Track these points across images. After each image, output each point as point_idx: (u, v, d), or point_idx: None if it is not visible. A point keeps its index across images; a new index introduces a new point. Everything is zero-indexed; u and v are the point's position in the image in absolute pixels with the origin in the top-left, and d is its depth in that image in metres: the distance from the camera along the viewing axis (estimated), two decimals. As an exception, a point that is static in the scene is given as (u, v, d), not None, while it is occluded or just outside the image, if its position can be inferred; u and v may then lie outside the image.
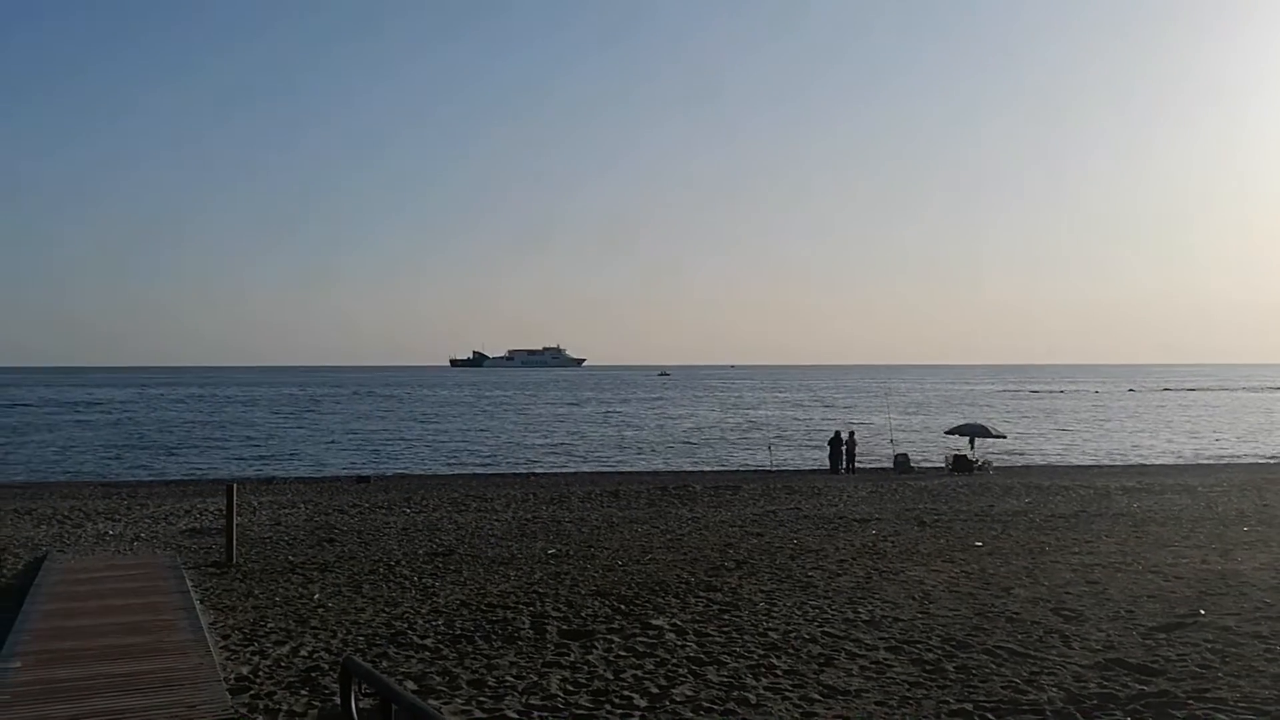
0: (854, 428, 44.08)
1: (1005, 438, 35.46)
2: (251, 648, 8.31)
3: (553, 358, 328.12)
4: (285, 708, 6.53)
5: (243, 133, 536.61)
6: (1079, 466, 35.00)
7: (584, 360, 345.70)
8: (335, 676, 7.26)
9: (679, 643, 8.38)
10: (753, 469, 35.23)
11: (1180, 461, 37.16)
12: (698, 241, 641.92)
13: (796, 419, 67.97)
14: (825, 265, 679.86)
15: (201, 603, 10.06)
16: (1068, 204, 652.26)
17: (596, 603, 10.10)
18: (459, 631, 8.84)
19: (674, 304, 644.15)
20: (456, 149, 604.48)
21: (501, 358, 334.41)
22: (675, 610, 9.70)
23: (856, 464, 33.74)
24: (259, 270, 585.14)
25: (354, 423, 63.36)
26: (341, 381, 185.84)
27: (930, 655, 8.06)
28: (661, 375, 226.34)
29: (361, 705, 6.12)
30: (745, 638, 8.58)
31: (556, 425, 60.72)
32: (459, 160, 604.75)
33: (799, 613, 9.63)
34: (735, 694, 6.89)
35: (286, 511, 19.90)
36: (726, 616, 9.44)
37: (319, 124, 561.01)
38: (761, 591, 10.72)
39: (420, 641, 8.45)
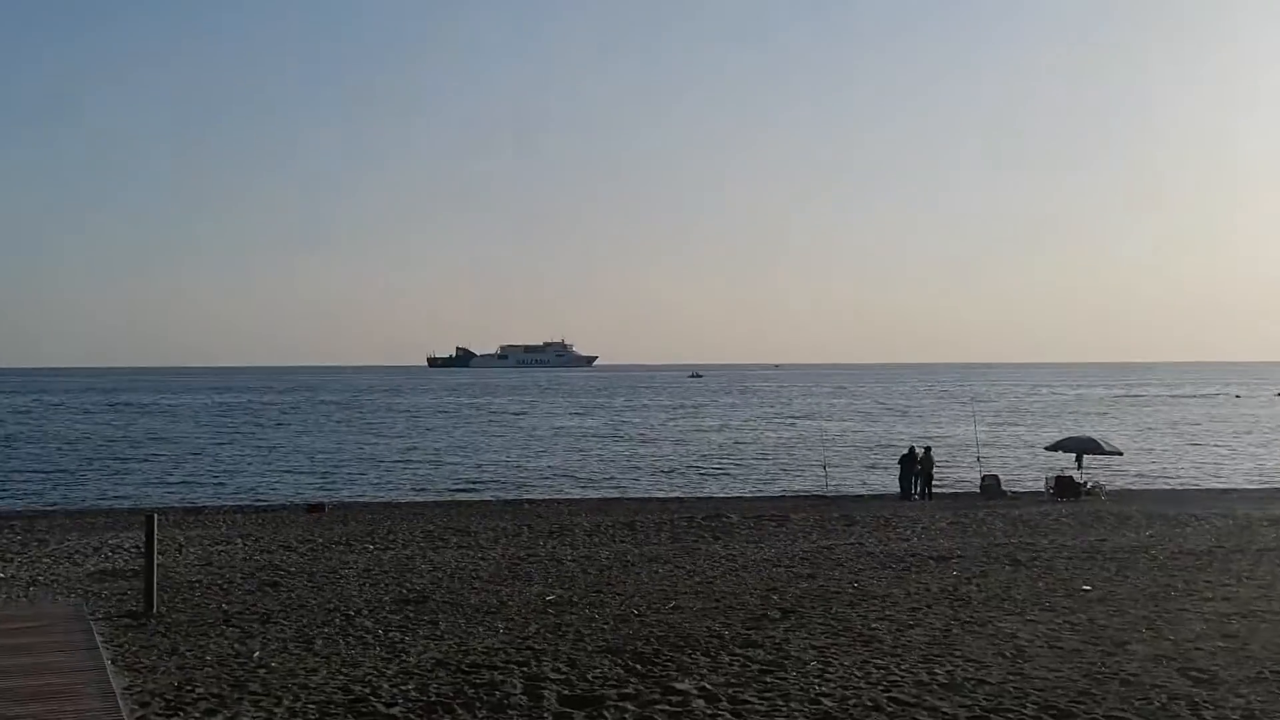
0: (929, 443, 44.53)
1: (1121, 454, 35.63)
2: (176, 719, 8.34)
3: (556, 355, 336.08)
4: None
5: (164, 94, 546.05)
6: (1215, 491, 35.19)
7: (595, 359, 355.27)
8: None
9: (709, 712, 8.40)
10: (803, 494, 35.62)
11: (1347, 484, 37.36)
12: (738, 225, 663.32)
13: (857, 430, 68.39)
14: (889, 251, 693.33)
15: (114, 663, 10.15)
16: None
17: (606, 662, 10.18)
18: (434, 698, 8.88)
19: (708, 294, 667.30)
20: (439, 106, 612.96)
21: (492, 356, 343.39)
22: (705, 671, 9.75)
23: (933, 488, 34.06)
24: (191, 254, 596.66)
25: (303, 437, 64.00)
26: (291, 385, 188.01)
27: (1025, 728, 8.05)
28: (693, 377, 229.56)
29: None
30: (792, 705, 8.60)
31: (557, 439, 61.38)
32: (441, 119, 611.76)
33: (859, 674, 9.67)
34: (780, 777, 6.84)
35: (220, 548, 20.09)
36: (769, 679, 9.47)
37: (259, 79, 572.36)
38: (813, 648, 10.79)
39: (386, 711, 8.50)
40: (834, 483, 38.39)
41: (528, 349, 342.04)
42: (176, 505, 32.52)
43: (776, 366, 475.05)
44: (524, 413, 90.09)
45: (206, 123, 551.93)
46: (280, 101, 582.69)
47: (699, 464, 47.04)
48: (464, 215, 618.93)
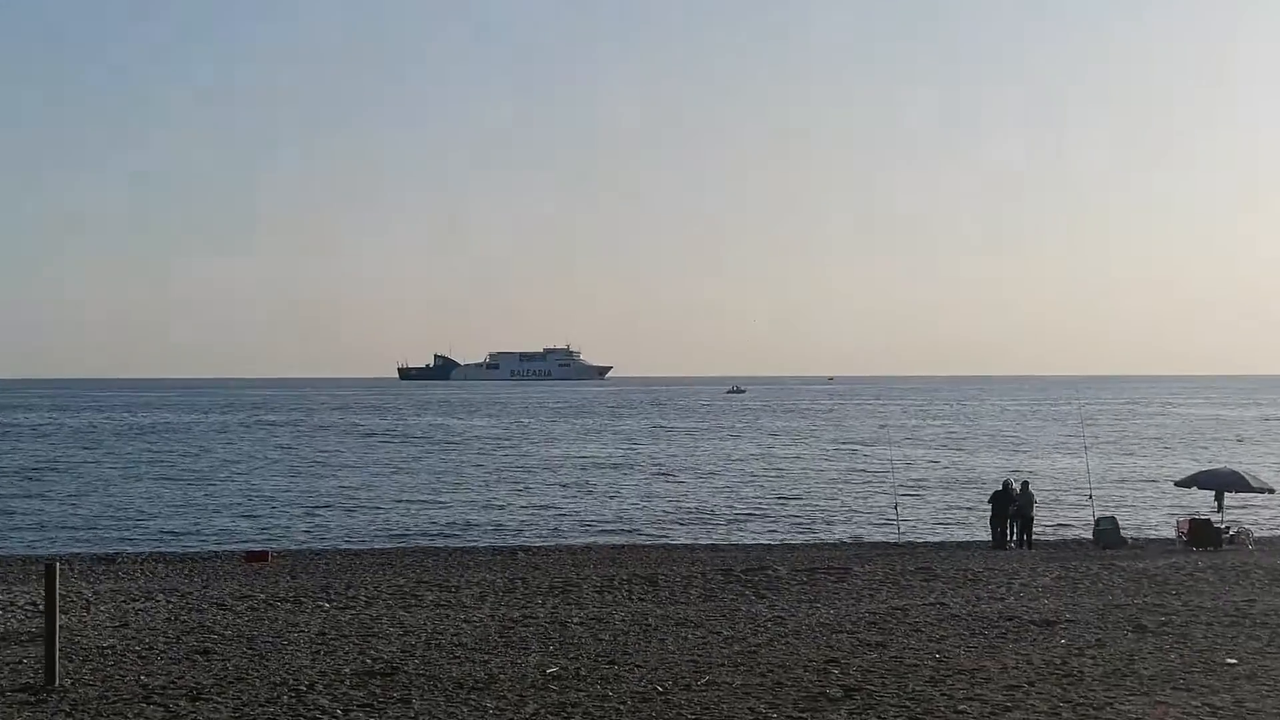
0: (1027, 476, 44.58)
1: (1272, 492, 35.32)
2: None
3: (559, 364, 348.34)
4: None
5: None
6: (1395, 538, 35.03)
7: (609, 369, 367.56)
8: None
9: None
10: (869, 540, 35.72)
11: None
12: (783, 212, 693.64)
13: (934, 460, 68.49)
14: (963, 240, 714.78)
15: (7, 749, 9.99)
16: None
17: (623, 752, 9.99)
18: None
19: (747, 294, 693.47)
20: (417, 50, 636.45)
21: (477, 365, 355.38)
22: (747, 765, 9.53)
23: (1034, 533, 33.85)
24: (104, 242, 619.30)
25: (240, 466, 64.14)
26: (230, 402, 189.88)
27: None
28: (733, 393, 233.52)
29: None
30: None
31: (556, 471, 61.62)
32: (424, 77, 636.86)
33: (944, 770, 9.51)
34: None
35: (139, 606, 20.20)
36: (829, 776, 9.33)
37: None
38: (884, 736, 10.65)
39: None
40: (907, 526, 38.50)
41: (524, 357, 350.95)
42: (83, 552, 32.68)
43: (830, 379, 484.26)
44: (514, 436, 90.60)
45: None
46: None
47: (737, 503, 47.22)
48: (444, 194, 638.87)
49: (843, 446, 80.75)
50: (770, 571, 24.95)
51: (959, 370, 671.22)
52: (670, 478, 58.25)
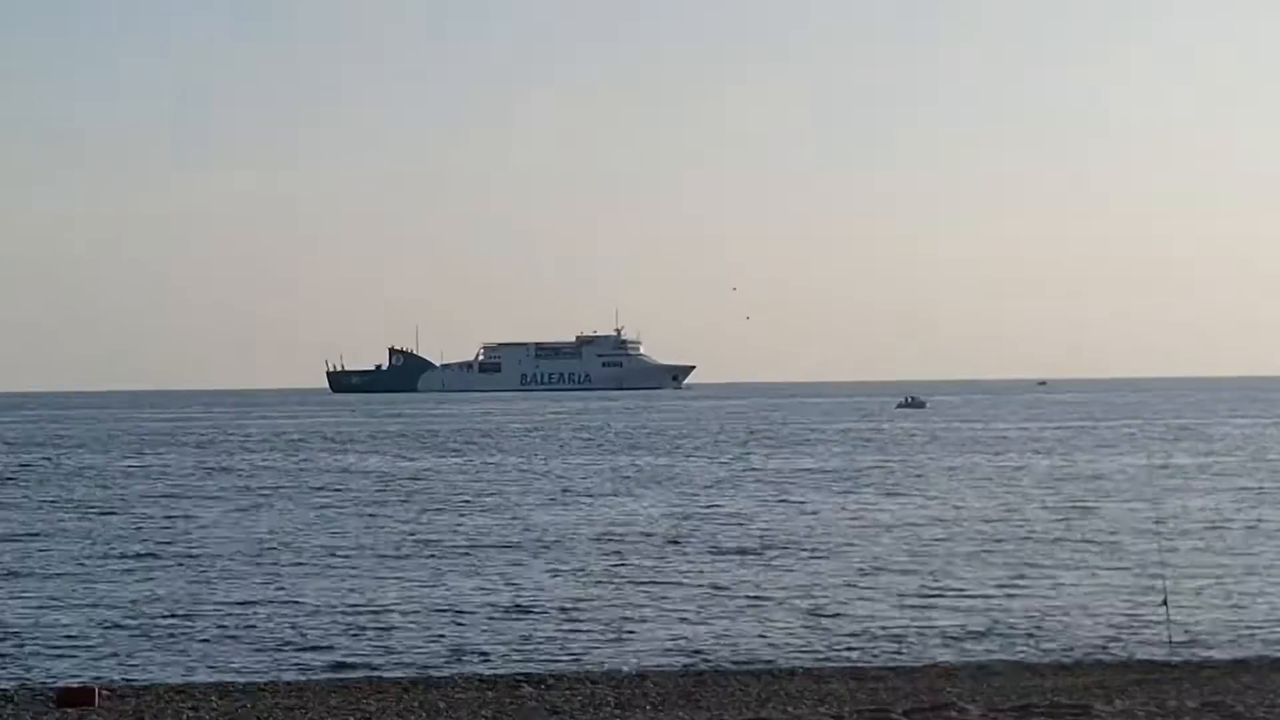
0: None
1: None
2: None
3: (606, 362, 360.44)
4: None
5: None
6: None
7: (689, 371, 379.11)
8: None
9: None
10: (1118, 656, 34.56)
11: None
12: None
13: (1219, 510, 67.74)
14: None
15: None
16: None
17: None
18: None
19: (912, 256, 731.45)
20: None
21: (462, 367, 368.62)
22: None
23: None
24: None
25: (37, 544, 63.13)
26: (26, 436, 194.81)
27: None
28: (907, 406, 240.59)
29: None
30: None
31: (575, 537, 61.48)
32: None
33: None
34: None
35: None
36: None
37: None
38: None
39: None
40: (1185, 630, 36.91)
41: (543, 350, 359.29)
42: None
43: (1041, 383, 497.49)
44: (527, 485, 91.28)
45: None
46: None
47: (889, 586, 46.60)
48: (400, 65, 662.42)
49: (1064, 486, 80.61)
50: (954, 711, 24.78)
51: (1218, 369, 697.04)
52: (781, 551, 57.15)
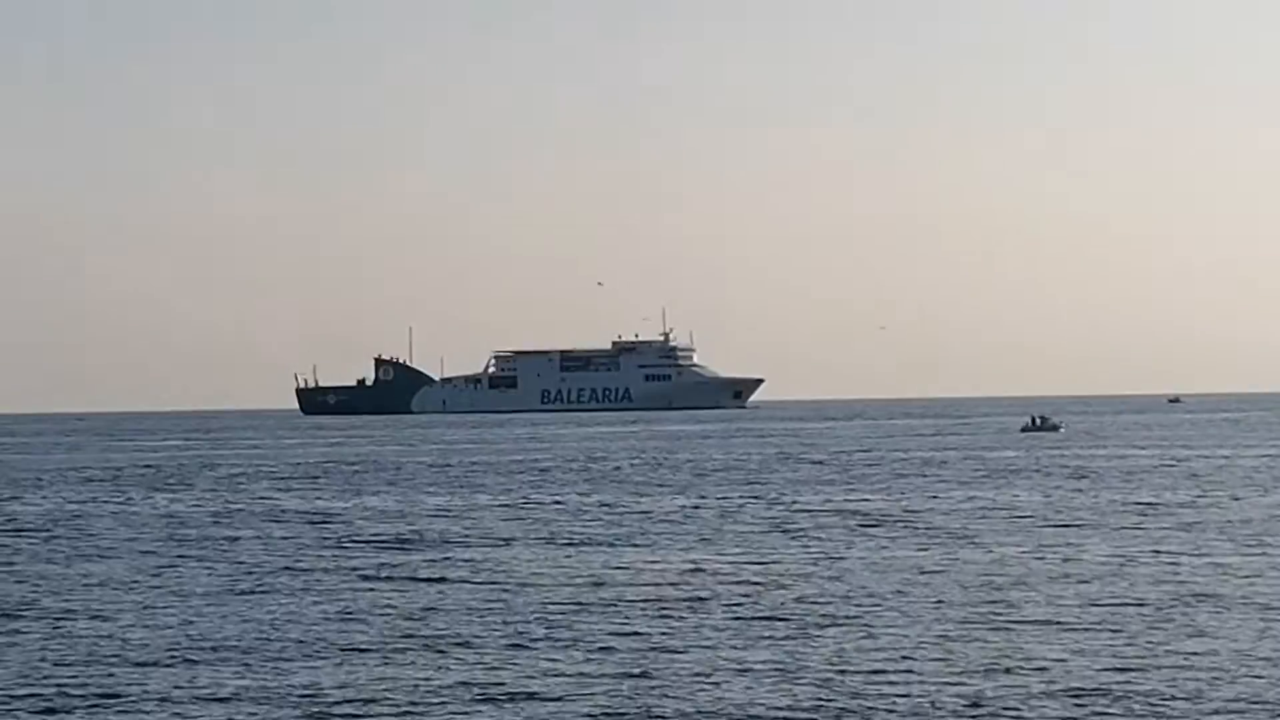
0: None
1: None
2: None
3: (650, 374, 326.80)
4: None
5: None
6: None
7: (758, 384, 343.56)
8: None
9: None
10: None
11: None
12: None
13: None
14: None
15: None
16: None
17: None
18: None
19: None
20: None
21: (468, 381, 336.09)
22: None
23: None
24: None
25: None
26: None
27: None
28: (1035, 429, 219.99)
29: None
30: None
31: (590, 625, 47.60)
32: None
33: None
34: None
35: None
36: None
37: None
38: None
39: None
40: None
41: (570, 360, 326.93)
42: None
43: (1174, 400, 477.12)
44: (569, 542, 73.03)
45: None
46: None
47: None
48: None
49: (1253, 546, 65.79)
50: None
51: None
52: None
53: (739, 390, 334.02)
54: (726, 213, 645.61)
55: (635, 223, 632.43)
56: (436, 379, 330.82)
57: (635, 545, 69.95)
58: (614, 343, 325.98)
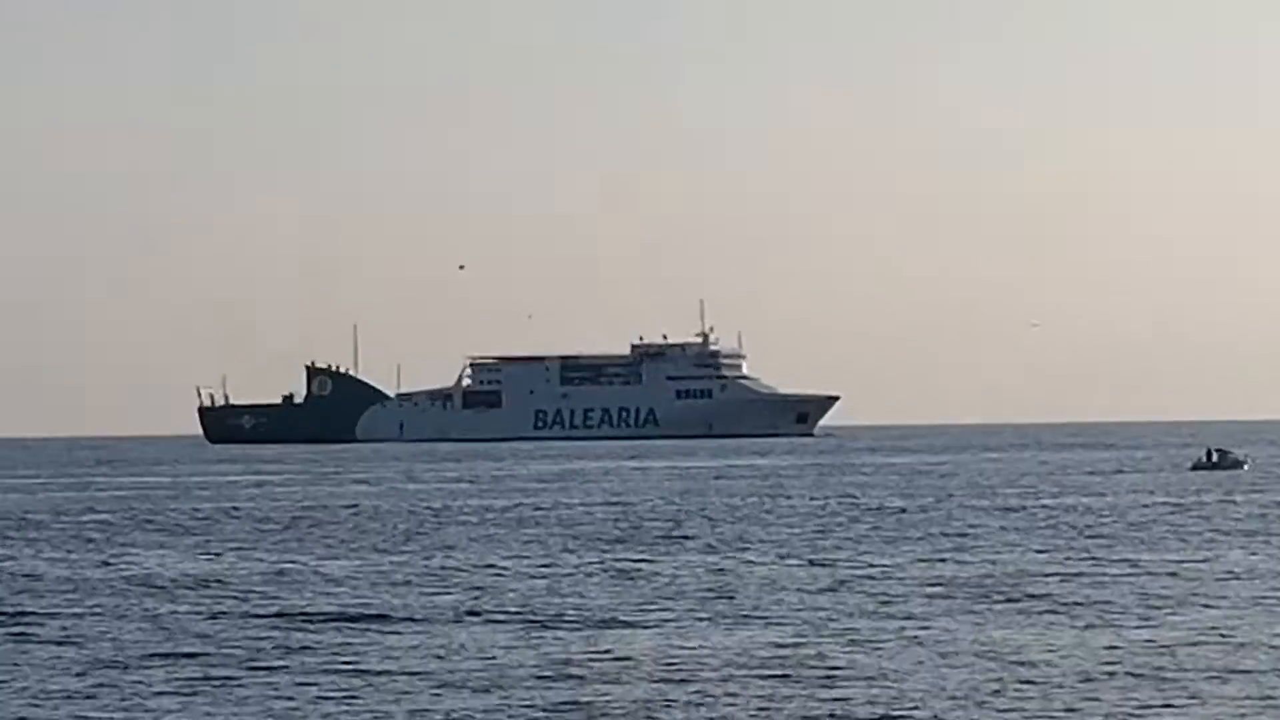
0: None
1: None
2: None
3: (682, 388, 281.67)
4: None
5: None
6: None
7: (831, 403, 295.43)
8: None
9: None
10: None
11: None
12: None
13: None
14: None
15: None
16: None
17: None
18: None
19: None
20: None
21: (434, 397, 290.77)
22: None
23: None
24: None
25: None
26: None
27: None
28: (1209, 465, 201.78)
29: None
30: None
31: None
32: None
33: None
34: None
35: None
36: None
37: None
38: None
39: None
40: None
41: (571, 368, 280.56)
42: None
43: None
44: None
45: None
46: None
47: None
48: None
49: None
50: None
51: None
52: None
53: (804, 412, 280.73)
54: (786, 172, 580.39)
55: (661, 185, 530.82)
56: (391, 395, 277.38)
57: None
58: (633, 346, 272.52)
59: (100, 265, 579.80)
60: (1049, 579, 72.11)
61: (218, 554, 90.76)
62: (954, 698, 39.30)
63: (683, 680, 43.33)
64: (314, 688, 41.49)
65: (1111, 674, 42.44)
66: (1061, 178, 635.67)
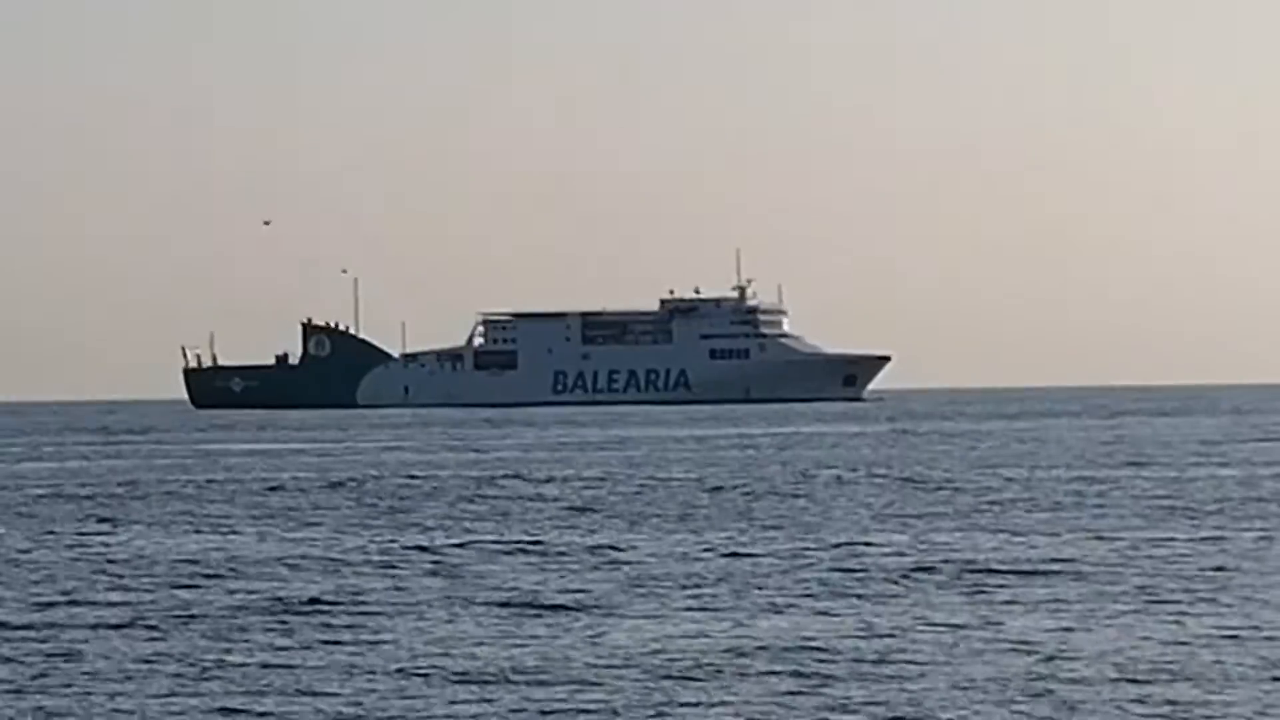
0: None
1: None
2: None
3: (714, 347, 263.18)
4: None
5: None
6: None
7: (882, 364, 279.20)
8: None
9: None
10: None
11: None
12: None
13: None
14: None
15: None
16: None
17: None
18: None
19: None
20: None
21: (445, 355, 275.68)
22: None
23: None
24: None
25: None
26: None
27: None
28: None
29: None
30: None
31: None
32: None
33: None
34: None
35: None
36: None
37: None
38: None
39: None
40: None
41: (592, 324, 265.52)
42: None
43: None
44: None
45: None
46: None
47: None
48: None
49: None
50: None
51: None
52: None
53: (852, 374, 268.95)
54: (829, 106, 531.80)
55: (693, 119, 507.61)
56: (395, 355, 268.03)
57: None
58: (663, 301, 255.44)
59: (72, 210, 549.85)
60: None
61: (198, 531, 77.86)
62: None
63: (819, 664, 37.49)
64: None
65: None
66: (1127, 131, 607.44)
